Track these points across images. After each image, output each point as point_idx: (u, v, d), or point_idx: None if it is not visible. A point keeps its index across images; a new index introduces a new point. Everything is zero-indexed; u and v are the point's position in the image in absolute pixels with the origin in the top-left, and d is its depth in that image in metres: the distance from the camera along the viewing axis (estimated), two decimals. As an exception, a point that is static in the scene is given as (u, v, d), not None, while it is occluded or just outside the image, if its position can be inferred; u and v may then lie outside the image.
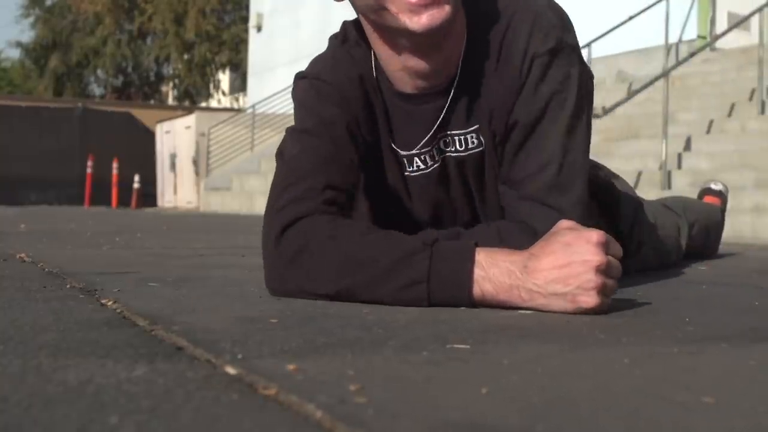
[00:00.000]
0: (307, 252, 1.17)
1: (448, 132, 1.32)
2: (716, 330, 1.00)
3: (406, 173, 1.38)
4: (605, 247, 1.07)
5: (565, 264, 1.06)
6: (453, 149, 1.33)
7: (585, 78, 1.29)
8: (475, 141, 1.31)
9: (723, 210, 2.50)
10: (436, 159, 1.35)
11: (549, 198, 1.24)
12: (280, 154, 1.32)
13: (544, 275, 1.07)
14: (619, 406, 0.61)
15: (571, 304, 1.06)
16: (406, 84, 1.30)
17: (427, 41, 1.20)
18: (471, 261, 1.09)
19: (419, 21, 1.15)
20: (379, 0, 1.16)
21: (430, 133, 1.32)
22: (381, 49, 1.28)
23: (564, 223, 1.13)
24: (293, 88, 1.39)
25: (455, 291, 1.09)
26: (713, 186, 2.66)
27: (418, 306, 1.10)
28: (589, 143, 1.32)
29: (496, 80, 1.26)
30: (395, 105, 1.33)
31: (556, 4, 1.29)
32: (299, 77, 1.38)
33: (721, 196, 2.59)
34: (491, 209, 1.37)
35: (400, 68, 1.27)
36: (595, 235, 1.07)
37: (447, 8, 1.15)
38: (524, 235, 1.20)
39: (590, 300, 1.05)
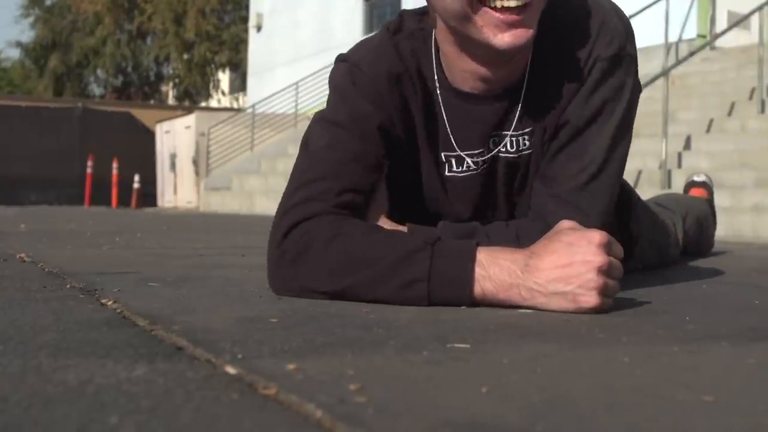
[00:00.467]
0: (310, 251, 1.17)
1: (502, 132, 1.31)
2: (716, 329, 1.00)
3: (449, 174, 1.35)
4: (607, 248, 1.08)
5: (567, 263, 1.06)
6: (504, 149, 1.32)
7: (636, 91, 1.30)
8: (527, 142, 1.31)
9: (710, 201, 2.52)
10: (487, 159, 1.33)
11: (579, 200, 1.25)
12: (306, 143, 1.30)
13: (545, 274, 1.07)
14: (619, 405, 0.61)
15: (572, 304, 1.06)
16: (465, 83, 1.28)
17: (504, 56, 1.20)
18: (472, 260, 1.09)
19: (503, 38, 1.14)
20: (466, 10, 1.14)
21: (487, 134, 1.31)
22: (449, 49, 1.26)
23: (566, 223, 1.14)
24: (332, 70, 1.36)
25: (456, 290, 1.09)
26: (696, 178, 2.69)
27: (418, 305, 1.10)
28: (627, 155, 1.32)
29: (558, 82, 1.26)
30: (451, 103, 1.30)
31: (622, 12, 1.29)
32: (340, 59, 1.35)
33: (706, 186, 2.62)
34: (525, 211, 1.37)
35: (465, 70, 1.26)
36: (597, 235, 1.08)
37: (531, 31, 1.15)
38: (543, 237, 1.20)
39: (591, 300, 1.06)
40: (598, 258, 1.06)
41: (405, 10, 1.37)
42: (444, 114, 1.31)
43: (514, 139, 1.31)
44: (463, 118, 1.30)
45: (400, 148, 1.31)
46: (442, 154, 1.34)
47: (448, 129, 1.32)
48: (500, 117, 1.29)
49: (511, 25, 1.13)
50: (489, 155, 1.33)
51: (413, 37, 1.32)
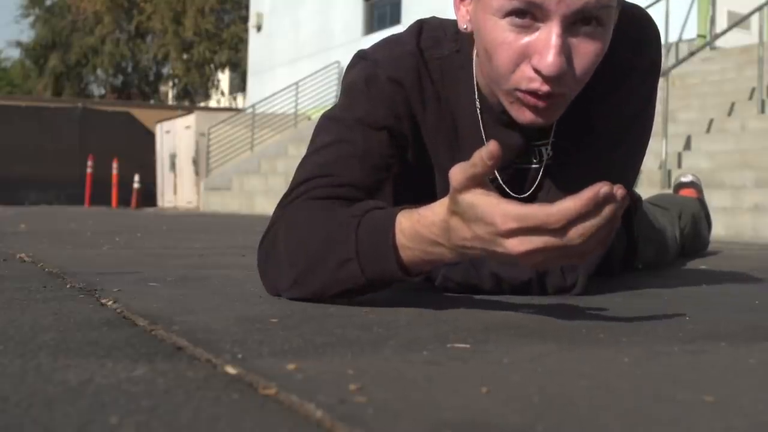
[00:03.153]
0: (273, 252, 1.17)
1: (532, 144, 1.28)
2: (716, 329, 1.00)
3: None
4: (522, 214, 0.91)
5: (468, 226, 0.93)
6: (528, 161, 1.29)
7: (655, 101, 1.30)
8: (550, 152, 1.28)
9: (701, 200, 2.52)
10: (511, 172, 1.30)
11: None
12: (312, 142, 1.28)
13: (457, 235, 0.94)
14: (619, 405, 0.61)
15: (495, 247, 0.90)
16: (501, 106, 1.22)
17: None
18: (392, 230, 1.02)
19: (524, 114, 1.10)
20: (493, 76, 1.09)
21: (519, 149, 1.28)
22: (483, 79, 1.21)
23: None
24: (349, 65, 1.31)
25: (384, 263, 1.03)
26: (683, 179, 2.70)
27: (357, 287, 1.07)
28: (641, 163, 1.32)
29: (594, 91, 1.22)
30: (490, 126, 1.25)
31: (654, 22, 1.27)
32: (360, 56, 1.30)
33: (694, 186, 2.63)
34: None
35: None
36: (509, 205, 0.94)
37: (555, 115, 1.11)
38: None
39: (513, 246, 0.88)
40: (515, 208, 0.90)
41: (437, 19, 1.31)
42: (484, 137, 1.26)
43: (537, 149, 1.29)
44: (504, 139, 1.24)
45: (409, 160, 1.28)
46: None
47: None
48: (536, 131, 1.26)
49: (535, 108, 1.09)
50: (515, 168, 1.30)
51: (449, 60, 1.26)
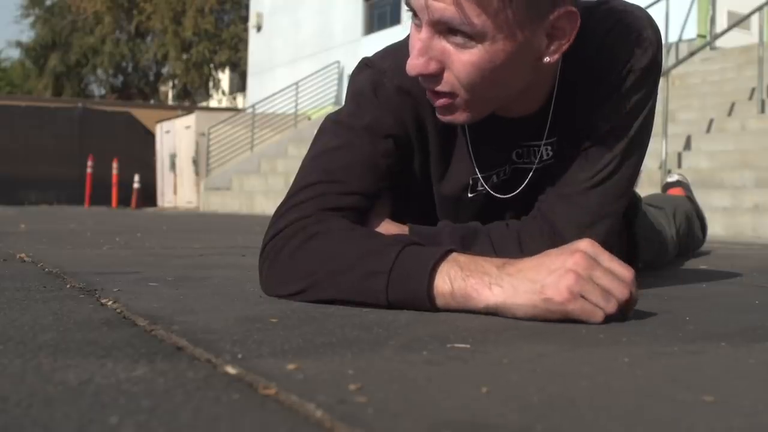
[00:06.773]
0: (283, 254, 1.16)
1: (528, 144, 1.28)
2: (716, 329, 1.00)
3: (472, 194, 1.31)
4: (591, 252, 1.01)
5: (543, 260, 1.01)
6: (528, 161, 1.29)
7: (656, 99, 1.30)
8: (550, 153, 1.28)
9: (691, 198, 2.52)
10: (509, 173, 1.31)
11: (587, 200, 1.24)
12: (316, 143, 1.28)
13: (517, 266, 1.02)
14: (619, 406, 0.61)
15: (538, 296, 0.98)
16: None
17: None
18: (438, 259, 1.04)
19: (440, 115, 1.16)
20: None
21: (513, 149, 1.28)
22: None
23: None
24: (355, 72, 1.32)
25: (413, 284, 1.04)
26: (669, 179, 2.71)
27: (375, 302, 1.06)
28: (642, 162, 1.32)
29: (589, 92, 1.23)
30: (478, 127, 1.25)
31: (654, 21, 1.26)
32: (365, 63, 1.31)
33: (681, 184, 2.63)
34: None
35: None
36: (582, 242, 1.03)
37: (463, 116, 1.13)
38: (545, 241, 1.19)
39: (558, 293, 0.97)
40: (576, 256, 1.00)
41: None
42: (468, 139, 1.27)
43: (537, 149, 1.29)
44: (492, 139, 1.27)
45: (412, 164, 1.29)
46: (470, 178, 1.30)
47: (472, 153, 1.27)
48: (529, 132, 1.26)
49: (437, 107, 1.14)
50: (513, 168, 1.30)
51: None
